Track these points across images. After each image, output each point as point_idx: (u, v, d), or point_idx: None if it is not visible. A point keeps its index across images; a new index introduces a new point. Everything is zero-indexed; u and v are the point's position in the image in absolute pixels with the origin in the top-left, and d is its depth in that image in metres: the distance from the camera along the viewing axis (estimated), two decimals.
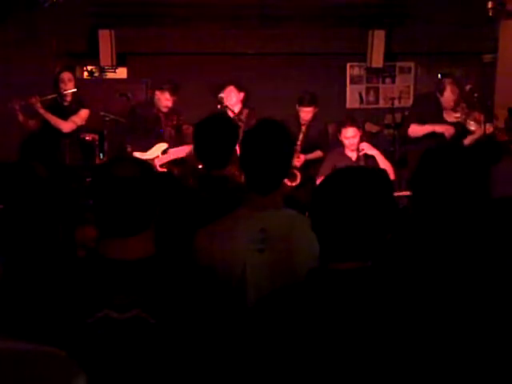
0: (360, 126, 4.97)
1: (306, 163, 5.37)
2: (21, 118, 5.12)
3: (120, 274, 1.51)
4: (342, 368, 1.34)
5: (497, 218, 1.82)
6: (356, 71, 8.15)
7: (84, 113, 5.31)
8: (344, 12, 7.53)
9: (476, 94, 5.16)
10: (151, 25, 7.45)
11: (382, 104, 8.17)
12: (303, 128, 5.43)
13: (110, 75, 7.82)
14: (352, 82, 8.17)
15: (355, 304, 1.37)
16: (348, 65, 8.10)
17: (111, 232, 1.55)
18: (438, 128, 5.06)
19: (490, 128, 4.99)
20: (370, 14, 7.62)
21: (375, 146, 5.04)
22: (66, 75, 5.26)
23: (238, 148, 2.37)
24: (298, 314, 1.41)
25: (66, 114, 5.24)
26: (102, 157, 6.20)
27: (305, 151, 5.40)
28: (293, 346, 1.38)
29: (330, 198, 1.43)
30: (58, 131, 5.17)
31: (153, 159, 5.22)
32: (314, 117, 5.45)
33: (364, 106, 7.95)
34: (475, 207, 1.73)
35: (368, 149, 4.83)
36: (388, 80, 8.22)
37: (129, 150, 5.35)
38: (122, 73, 7.79)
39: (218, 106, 5.46)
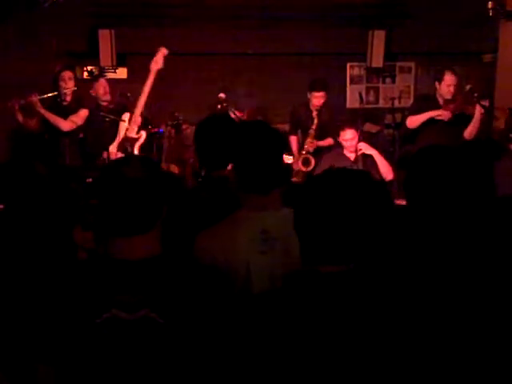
0: (358, 128, 4.97)
1: (317, 150, 5.46)
2: (20, 117, 5.12)
3: (127, 273, 1.51)
4: (324, 372, 1.33)
5: (496, 217, 1.82)
6: (356, 71, 8.15)
7: (83, 113, 5.31)
8: (344, 12, 7.53)
9: (476, 94, 5.16)
10: (151, 25, 7.44)
11: (382, 104, 8.17)
12: (315, 113, 5.48)
13: (110, 75, 7.81)
14: (352, 82, 8.17)
15: (338, 307, 1.37)
16: (348, 65, 8.10)
17: (118, 232, 1.55)
18: (434, 113, 5.10)
19: (485, 103, 5.02)
20: (370, 14, 7.62)
21: (375, 146, 5.04)
22: (67, 74, 5.26)
23: None
24: (281, 317, 1.41)
25: (65, 113, 5.23)
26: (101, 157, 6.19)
27: (316, 137, 5.48)
28: (276, 351, 1.38)
29: (315, 200, 1.42)
30: (57, 131, 5.16)
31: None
32: (325, 103, 5.53)
33: (364, 105, 7.95)
34: (471, 206, 1.73)
35: (366, 149, 4.82)
36: (388, 80, 8.22)
37: (129, 150, 5.34)
38: (122, 73, 7.78)
39: (218, 106, 5.47)
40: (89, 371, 1.48)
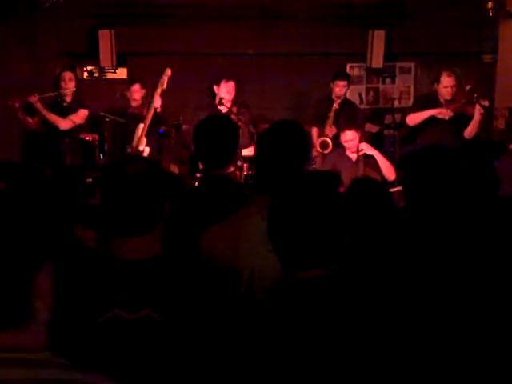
0: (359, 128, 4.98)
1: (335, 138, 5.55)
2: (20, 116, 5.13)
3: (129, 273, 1.51)
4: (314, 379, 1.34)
5: (495, 216, 1.82)
6: (356, 71, 8.15)
7: (83, 113, 5.31)
8: (344, 12, 7.53)
9: (476, 94, 5.16)
10: (151, 25, 7.45)
11: (382, 104, 8.17)
12: (336, 101, 5.70)
13: (109, 75, 7.82)
14: (352, 82, 8.15)
15: (324, 312, 1.36)
16: (348, 65, 8.10)
17: (120, 231, 1.55)
18: (435, 111, 5.11)
19: (485, 103, 5.01)
20: (370, 14, 7.62)
21: (375, 146, 5.04)
22: (68, 74, 5.27)
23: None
24: (269, 326, 1.41)
25: (65, 113, 5.24)
26: (101, 157, 6.21)
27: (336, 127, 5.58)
28: (268, 355, 1.38)
29: (286, 208, 1.43)
30: (57, 131, 5.17)
31: None
32: (346, 96, 5.85)
33: (364, 106, 7.95)
34: (471, 206, 1.73)
35: (367, 149, 4.83)
36: (388, 80, 8.22)
37: (129, 150, 5.35)
38: (122, 73, 7.79)
39: (218, 106, 5.46)
40: (90, 370, 1.48)
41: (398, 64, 8.17)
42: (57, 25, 6.97)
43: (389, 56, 7.84)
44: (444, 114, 5.12)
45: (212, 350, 1.48)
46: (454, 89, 5.19)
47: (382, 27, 7.66)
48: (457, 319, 1.51)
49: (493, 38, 7.16)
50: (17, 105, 5.04)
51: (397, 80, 8.22)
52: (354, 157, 4.88)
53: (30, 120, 5.18)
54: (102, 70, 7.80)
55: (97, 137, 6.23)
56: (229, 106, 5.29)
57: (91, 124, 5.81)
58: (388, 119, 7.75)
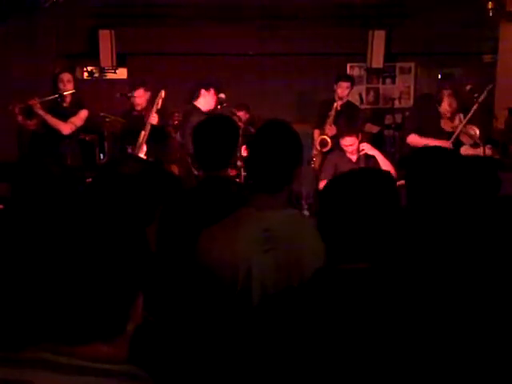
0: (359, 132, 4.98)
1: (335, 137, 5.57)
2: (20, 119, 5.11)
3: None
4: (348, 368, 1.34)
5: (496, 216, 1.82)
6: (356, 71, 8.15)
7: (83, 113, 5.30)
8: (344, 12, 7.53)
9: (476, 94, 5.14)
10: (151, 25, 7.45)
11: (382, 104, 8.17)
12: (338, 102, 5.72)
13: (109, 75, 7.82)
14: None
15: (363, 304, 1.37)
16: (348, 65, 8.11)
17: None
18: (438, 143, 5.01)
19: (488, 151, 4.95)
20: (370, 14, 7.62)
21: (375, 146, 5.05)
22: (66, 76, 5.25)
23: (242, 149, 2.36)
24: (306, 314, 1.41)
25: (65, 114, 5.23)
26: (102, 157, 6.21)
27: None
28: (299, 347, 1.38)
29: (337, 201, 1.43)
30: (57, 132, 5.17)
31: None
32: (350, 101, 5.88)
33: (364, 106, 7.96)
34: (475, 206, 1.73)
35: (369, 149, 4.85)
36: (388, 80, 8.22)
37: (129, 150, 5.35)
38: (122, 73, 7.79)
39: (218, 106, 5.47)
40: None
41: (398, 64, 8.17)
42: (57, 25, 6.97)
43: (389, 56, 7.84)
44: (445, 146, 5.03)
45: (203, 349, 1.48)
46: (455, 106, 5.08)
47: (382, 27, 7.66)
48: (459, 319, 1.52)
49: (493, 38, 7.16)
50: (16, 109, 5.03)
51: (397, 80, 8.23)
52: (354, 157, 4.91)
53: (29, 123, 5.17)
54: (102, 70, 7.81)
55: (97, 137, 6.23)
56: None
57: (91, 124, 5.80)
58: (388, 119, 7.76)
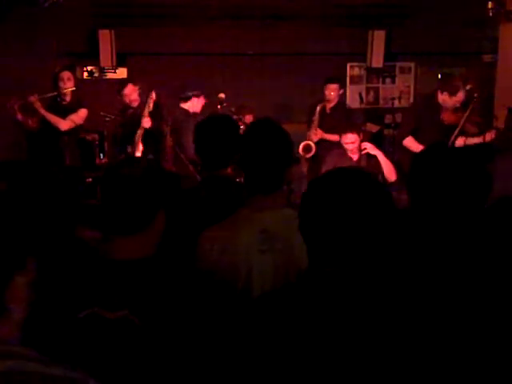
0: (360, 130, 4.97)
1: (321, 141, 5.58)
2: (20, 117, 5.12)
3: (114, 273, 1.51)
4: (336, 371, 1.33)
5: (495, 217, 1.82)
6: (356, 71, 8.16)
7: (83, 112, 5.30)
8: (344, 12, 7.54)
9: (476, 94, 5.14)
10: (151, 25, 7.45)
11: (382, 104, 8.18)
12: (327, 106, 5.68)
13: (109, 75, 7.82)
14: (352, 82, 8.17)
15: (348, 306, 1.36)
16: (348, 65, 8.11)
17: (110, 230, 1.56)
18: None
19: (490, 135, 4.96)
20: (370, 14, 7.63)
21: (376, 146, 5.04)
22: (66, 74, 5.25)
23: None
24: (290, 317, 1.40)
25: (65, 113, 5.23)
26: (101, 157, 6.20)
27: (325, 131, 5.60)
28: (285, 351, 1.37)
29: (320, 202, 1.40)
30: (57, 131, 5.17)
31: None
32: (339, 99, 5.75)
33: (364, 106, 7.96)
34: (472, 206, 1.72)
35: (371, 149, 4.83)
36: (388, 80, 8.23)
37: (129, 150, 5.35)
38: (122, 73, 7.79)
39: (218, 106, 5.47)
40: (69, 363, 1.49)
41: (398, 64, 8.18)
42: (57, 25, 6.96)
43: (389, 56, 7.84)
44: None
45: (189, 355, 1.47)
46: (463, 97, 5.08)
47: (382, 27, 7.67)
48: (459, 319, 1.52)
49: (493, 38, 7.16)
50: (16, 106, 5.03)
51: (397, 80, 8.23)
52: (355, 157, 4.88)
53: (28, 120, 5.17)
54: (101, 70, 7.81)
55: (97, 137, 6.22)
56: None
57: (91, 124, 5.80)
58: (388, 119, 7.76)
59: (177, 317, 1.48)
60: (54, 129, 5.16)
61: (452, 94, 5.02)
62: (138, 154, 5.28)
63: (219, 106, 5.50)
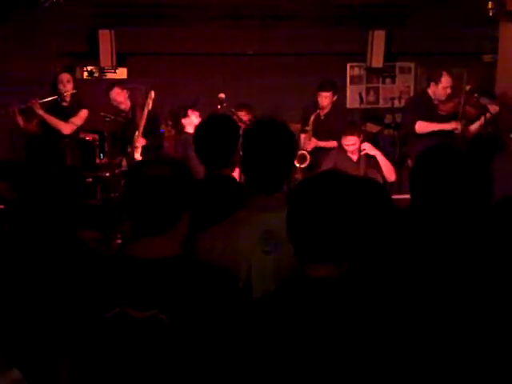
0: (360, 132, 4.97)
1: (316, 149, 5.50)
2: (20, 120, 5.11)
3: (142, 272, 1.51)
4: (318, 378, 1.34)
5: (495, 217, 1.82)
6: (356, 71, 8.16)
7: (83, 113, 5.30)
8: (344, 12, 7.54)
9: (476, 94, 5.16)
10: (151, 25, 7.45)
11: (382, 104, 8.17)
12: (321, 113, 5.58)
13: (109, 75, 7.82)
14: (352, 82, 8.17)
15: (327, 312, 1.37)
16: (348, 65, 8.11)
17: (140, 230, 1.57)
18: (447, 126, 5.08)
19: (489, 115, 4.99)
20: (370, 13, 7.63)
21: (375, 146, 5.04)
22: (65, 76, 5.25)
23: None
24: (277, 322, 1.41)
25: (65, 114, 5.23)
26: (102, 157, 6.20)
27: (320, 137, 5.52)
28: (272, 355, 1.38)
29: (306, 202, 1.43)
30: (57, 132, 5.16)
31: None
32: (333, 105, 5.63)
33: (364, 106, 7.96)
34: (474, 207, 1.72)
35: (370, 149, 4.84)
36: (388, 80, 8.23)
37: (129, 150, 5.35)
38: (122, 73, 7.79)
39: (218, 106, 5.46)
40: (97, 363, 1.50)
41: (398, 64, 8.18)
42: (57, 25, 6.96)
43: (389, 56, 7.84)
44: (456, 128, 5.06)
45: (218, 355, 1.48)
46: (451, 89, 5.18)
47: (382, 27, 7.67)
48: (461, 319, 1.52)
49: (493, 38, 7.16)
50: (16, 110, 5.03)
51: (397, 80, 8.23)
52: (354, 157, 4.89)
53: (29, 124, 5.16)
54: (102, 70, 7.81)
55: (97, 137, 6.22)
56: None
57: (91, 124, 5.79)
58: (388, 119, 7.75)
59: (206, 316, 1.49)
60: (54, 130, 5.16)
61: (437, 81, 5.11)
62: (137, 154, 5.28)
63: (219, 106, 5.49)
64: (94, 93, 6.43)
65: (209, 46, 7.46)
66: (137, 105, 5.61)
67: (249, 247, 1.87)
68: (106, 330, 1.48)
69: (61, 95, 5.20)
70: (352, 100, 8.06)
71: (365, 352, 1.33)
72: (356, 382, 1.32)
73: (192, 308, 1.48)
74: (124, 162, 5.39)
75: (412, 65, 8.18)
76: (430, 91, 5.24)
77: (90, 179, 5.48)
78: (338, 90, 5.81)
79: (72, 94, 5.26)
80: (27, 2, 6.49)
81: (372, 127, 7.40)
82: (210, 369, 1.48)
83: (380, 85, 8.25)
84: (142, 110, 5.38)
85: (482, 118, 4.95)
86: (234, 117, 5.24)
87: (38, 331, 1.88)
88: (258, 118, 6.18)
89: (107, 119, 5.80)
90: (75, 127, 5.23)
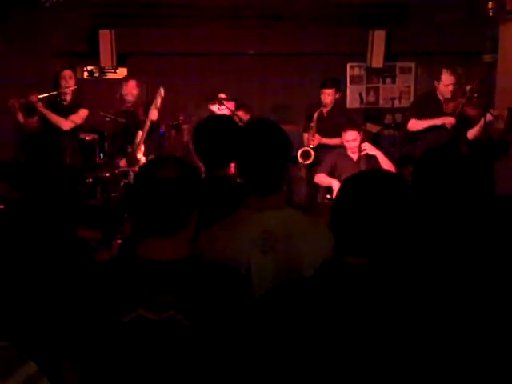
0: (360, 129, 4.98)
1: (321, 146, 5.52)
2: (20, 116, 5.12)
3: (156, 274, 1.51)
4: (347, 362, 1.35)
5: (497, 216, 1.82)
6: (356, 71, 8.15)
7: (83, 112, 5.31)
8: (344, 12, 7.53)
9: (476, 94, 5.16)
10: (151, 25, 7.45)
11: (382, 104, 8.17)
12: (324, 110, 5.61)
13: (110, 75, 7.82)
14: (352, 82, 8.17)
15: (365, 298, 1.39)
16: (348, 65, 8.11)
17: (149, 232, 1.56)
18: (438, 121, 5.11)
19: (490, 116, 5.01)
20: (370, 13, 7.62)
21: (375, 146, 5.05)
22: (67, 73, 5.26)
23: None
24: (306, 306, 1.42)
25: (65, 113, 5.23)
26: (102, 157, 6.20)
27: (323, 135, 5.56)
28: (299, 339, 1.39)
29: (352, 199, 1.46)
30: (57, 130, 5.17)
31: None
32: (336, 102, 5.68)
33: (364, 106, 7.96)
34: (476, 206, 1.73)
35: (370, 149, 4.84)
36: (388, 80, 8.22)
37: (129, 150, 5.35)
38: (122, 73, 7.78)
39: (218, 106, 5.47)
40: (112, 368, 1.49)
41: (398, 64, 8.17)
42: (57, 25, 6.97)
43: (389, 56, 7.84)
44: (447, 122, 5.11)
45: (233, 351, 1.48)
46: (455, 87, 5.20)
47: (382, 27, 7.66)
48: (460, 318, 1.52)
49: (493, 38, 7.16)
50: (16, 104, 5.03)
51: (397, 80, 8.23)
52: (355, 157, 4.89)
53: (29, 120, 5.17)
54: (102, 70, 7.80)
55: (97, 137, 6.23)
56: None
57: (91, 124, 5.80)
58: (388, 119, 7.75)
59: (223, 314, 1.49)
60: (54, 129, 5.16)
61: (438, 79, 5.15)
62: (140, 154, 5.28)
63: (219, 106, 5.49)
64: (94, 93, 6.44)
65: (209, 45, 7.46)
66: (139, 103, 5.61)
67: (248, 247, 1.87)
68: (123, 334, 1.46)
69: (61, 93, 5.20)
70: (352, 100, 8.06)
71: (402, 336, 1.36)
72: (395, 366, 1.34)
73: (209, 307, 1.48)
74: (123, 163, 5.38)
75: (412, 65, 8.18)
76: (437, 90, 5.28)
77: (90, 179, 5.49)
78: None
79: (73, 94, 5.26)
80: (27, 1, 6.49)
81: (372, 127, 7.40)
82: (232, 365, 1.48)
83: (380, 85, 8.25)
84: (144, 107, 5.38)
85: (482, 120, 4.96)
86: (234, 117, 5.24)
87: (43, 333, 1.88)
88: (254, 119, 6.21)
89: (107, 119, 5.80)
90: (74, 124, 5.23)
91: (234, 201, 2.03)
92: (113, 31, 7.38)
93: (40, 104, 5.06)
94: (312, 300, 1.43)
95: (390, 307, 1.39)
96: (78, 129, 5.38)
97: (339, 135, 5.08)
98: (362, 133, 4.92)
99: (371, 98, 8.22)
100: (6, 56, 6.45)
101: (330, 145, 5.46)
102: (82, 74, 7.82)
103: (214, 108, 5.40)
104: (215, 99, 5.40)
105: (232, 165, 2.45)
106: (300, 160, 5.49)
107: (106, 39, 7.39)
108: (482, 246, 1.70)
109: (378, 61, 7.77)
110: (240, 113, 5.80)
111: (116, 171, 5.33)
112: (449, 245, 1.68)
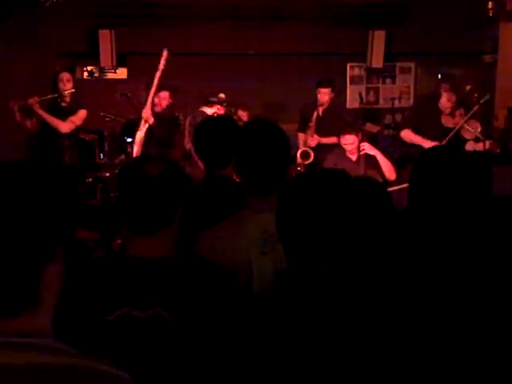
0: (359, 131, 4.97)
1: (319, 146, 5.52)
2: (19, 118, 5.11)
3: (141, 272, 1.51)
4: (312, 371, 1.34)
5: (494, 216, 1.83)
6: (356, 71, 8.16)
7: (82, 113, 5.30)
8: (344, 12, 7.54)
9: (476, 94, 5.16)
10: (151, 25, 7.45)
11: (382, 104, 8.17)
12: (320, 109, 5.61)
13: (110, 75, 7.82)
14: (352, 82, 8.17)
15: (326, 305, 1.36)
16: (348, 65, 8.11)
17: (134, 229, 1.56)
18: (427, 144, 5.02)
19: (487, 144, 4.99)
20: (370, 13, 7.63)
21: (375, 146, 5.04)
22: (65, 75, 5.25)
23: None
24: (276, 316, 1.41)
25: (64, 114, 5.22)
26: (101, 157, 6.21)
27: (319, 134, 5.56)
28: (274, 349, 1.38)
29: (295, 202, 1.43)
30: (56, 131, 5.16)
31: None
32: (332, 101, 5.67)
33: (364, 106, 7.96)
34: (473, 206, 1.73)
35: (369, 149, 4.84)
36: (388, 80, 8.23)
37: (129, 150, 5.35)
38: (122, 73, 7.79)
39: (218, 106, 5.47)
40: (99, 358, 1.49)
41: (398, 64, 8.18)
42: (57, 25, 6.97)
43: (389, 56, 7.84)
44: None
45: (217, 349, 1.48)
46: (455, 99, 5.13)
47: (382, 27, 7.67)
48: (459, 320, 1.52)
49: (493, 38, 7.17)
50: (16, 107, 5.03)
51: (397, 80, 8.24)
52: (354, 157, 4.90)
53: (28, 122, 5.16)
54: (102, 70, 7.81)
55: (97, 137, 6.23)
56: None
57: (91, 124, 5.79)
58: (388, 119, 7.76)
59: (208, 311, 1.49)
60: (53, 129, 5.15)
61: (437, 99, 5.10)
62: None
63: (219, 106, 5.50)
64: (94, 93, 6.44)
65: (209, 45, 7.46)
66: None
67: (249, 247, 1.87)
68: (108, 332, 1.47)
69: (61, 95, 5.20)
70: (352, 100, 8.06)
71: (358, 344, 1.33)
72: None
73: (194, 305, 1.49)
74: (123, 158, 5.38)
75: (412, 65, 8.18)
76: (439, 101, 5.22)
77: (90, 179, 5.49)
78: (338, 90, 5.82)
79: (72, 94, 5.25)
80: (27, 1, 6.49)
81: (372, 127, 7.40)
82: (217, 363, 1.48)
83: (380, 85, 8.25)
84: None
85: (481, 145, 4.92)
86: (234, 117, 5.25)
87: None
88: (252, 119, 6.22)
89: (107, 119, 5.80)
90: (74, 126, 5.22)
91: (233, 201, 2.03)
92: (113, 31, 7.39)
93: (39, 107, 5.04)
94: (274, 314, 1.41)
95: (357, 313, 1.35)
96: (77, 129, 5.37)
97: (335, 134, 5.08)
98: (360, 134, 4.92)
99: (371, 98, 8.22)
100: (6, 56, 6.45)
101: (329, 144, 5.46)
102: (82, 74, 7.83)
103: (207, 110, 5.39)
104: (213, 102, 5.39)
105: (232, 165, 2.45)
106: (300, 160, 5.49)
107: (105, 39, 7.39)
108: (481, 246, 1.70)
109: (377, 61, 7.77)
110: (241, 113, 5.81)
111: (116, 171, 5.33)
112: (448, 245, 1.68)
